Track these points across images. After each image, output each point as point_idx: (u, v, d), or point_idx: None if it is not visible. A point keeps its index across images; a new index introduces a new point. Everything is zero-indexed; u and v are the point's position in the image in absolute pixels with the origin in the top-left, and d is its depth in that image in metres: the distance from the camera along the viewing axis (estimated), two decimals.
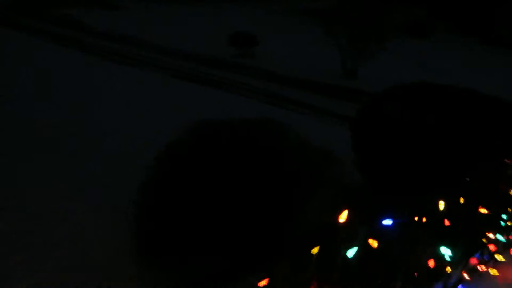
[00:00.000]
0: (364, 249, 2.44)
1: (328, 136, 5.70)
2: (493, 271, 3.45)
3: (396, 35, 11.84)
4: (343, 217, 2.39)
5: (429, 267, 2.94)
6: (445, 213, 2.93)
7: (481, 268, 3.44)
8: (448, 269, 3.09)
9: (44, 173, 5.01)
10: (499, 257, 3.55)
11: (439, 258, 2.98)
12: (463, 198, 3.11)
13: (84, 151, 5.62)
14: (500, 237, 3.53)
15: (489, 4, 19.07)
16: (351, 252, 2.43)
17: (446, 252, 2.99)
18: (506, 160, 3.64)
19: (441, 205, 2.89)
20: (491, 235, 3.48)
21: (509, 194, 3.64)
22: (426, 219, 2.76)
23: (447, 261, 3.04)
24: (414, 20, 17.81)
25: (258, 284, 2.44)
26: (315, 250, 2.39)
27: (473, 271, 3.39)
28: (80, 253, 3.80)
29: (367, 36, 10.23)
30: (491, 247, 3.49)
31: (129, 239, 3.69)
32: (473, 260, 3.43)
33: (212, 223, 3.27)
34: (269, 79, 9.97)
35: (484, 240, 3.46)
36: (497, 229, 3.54)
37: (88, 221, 4.21)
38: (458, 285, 3.24)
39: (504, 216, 3.61)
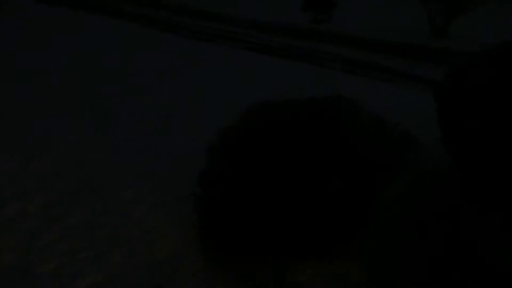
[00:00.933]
0: None
1: (410, 107, 5.09)
2: None
3: None
4: None
5: None
6: None
7: None
8: None
9: (115, 157, 4.98)
10: None
11: None
12: None
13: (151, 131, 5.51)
14: None
15: None
16: None
17: None
18: None
19: None
20: None
21: None
22: None
23: None
24: None
25: None
26: None
27: None
28: (144, 248, 3.67)
29: None
30: None
31: (193, 234, 3.52)
32: None
33: (278, 219, 2.99)
34: (347, 44, 9.23)
35: None
36: None
37: (152, 214, 4.06)
38: None
39: None
